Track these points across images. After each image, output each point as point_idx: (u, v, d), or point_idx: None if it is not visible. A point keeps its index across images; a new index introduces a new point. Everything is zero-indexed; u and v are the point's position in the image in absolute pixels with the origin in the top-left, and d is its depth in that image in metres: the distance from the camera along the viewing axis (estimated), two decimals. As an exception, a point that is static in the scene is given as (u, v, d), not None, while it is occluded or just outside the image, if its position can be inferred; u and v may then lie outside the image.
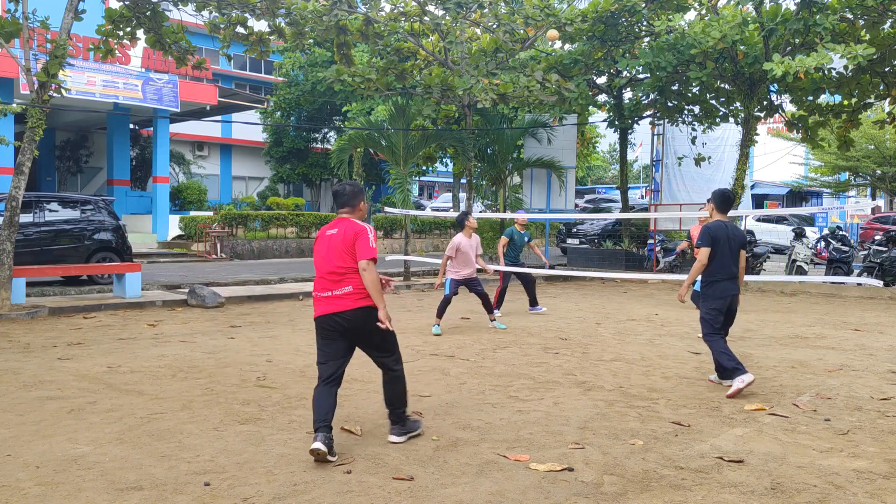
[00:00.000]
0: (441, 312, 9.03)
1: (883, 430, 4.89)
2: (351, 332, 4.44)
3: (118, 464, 4.05)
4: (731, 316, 6.29)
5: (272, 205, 26.69)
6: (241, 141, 31.99)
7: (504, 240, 10.85)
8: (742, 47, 13.47)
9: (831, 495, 3.70)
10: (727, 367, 5.90)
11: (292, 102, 28.81)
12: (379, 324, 4.44)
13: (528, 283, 11.03)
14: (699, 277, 6.33)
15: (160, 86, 20.96)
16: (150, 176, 24.33)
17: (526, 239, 10.88)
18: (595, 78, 18.18)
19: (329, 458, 4.13)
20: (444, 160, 22.09)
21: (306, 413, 5.14)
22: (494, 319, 9.53)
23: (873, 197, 34.42)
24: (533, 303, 11.09)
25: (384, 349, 4.58)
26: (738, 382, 5.75)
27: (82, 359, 7.01)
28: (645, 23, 15.49)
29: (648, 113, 18.92)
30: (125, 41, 12.12)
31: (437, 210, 27.72)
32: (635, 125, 19.68)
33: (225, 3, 12.34)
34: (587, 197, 31.41)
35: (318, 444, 4.12)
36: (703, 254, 6.05)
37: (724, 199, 6.18)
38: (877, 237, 16.64)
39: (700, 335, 7.91)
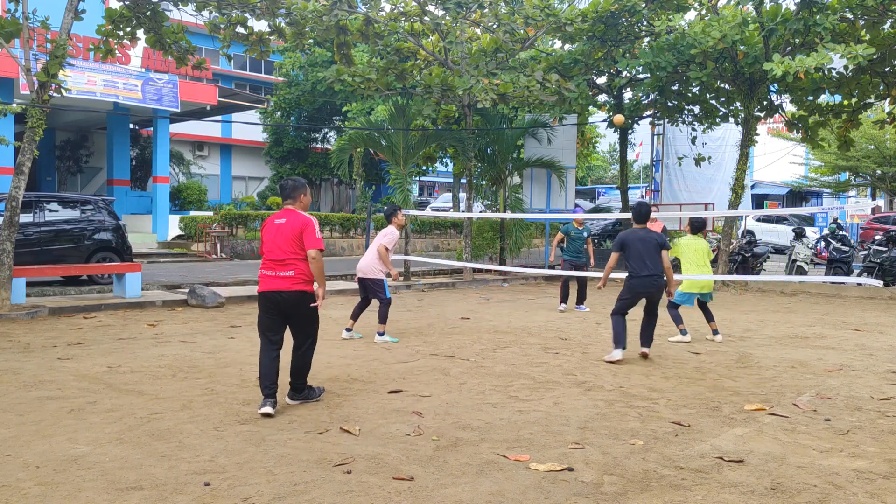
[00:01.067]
0: (386, 318, 8.27)
1: (883, 430, 4.89)
2: (286, 310, 5.23)
3: (118, 464, 4.05)
4: (650, 305, 7.38)
5: (272, 205, 26.69)
6: (241, 141, 31.99)
7: (560, 235, 11.49)
8: (742, 47, 13.46)
9: (831, 495, 3.70)
10: (614, 336, 7.24)
11: (292, 102, 28.80)
12: (316, 303, 5.27)
13: (583, 280, 11.46)
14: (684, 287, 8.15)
15: (160, 86, 20.95)
16: (150, 176, 24.33)
17: (585, 234, 11.41)
18: (595, 78, 18.17)
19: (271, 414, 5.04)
20: (444, 160, 22.07)
21: (307, 413, 5.15)
22: (384, 333, 8.29)
23: (873, 197, 34.42)
24: (580, 301, 11.47)
25: (308, 332, 5.39)
26: (612, 355, 7.15)
27: (82, 359, 7.01)
28: (645, 23, 15.47)
29: (648, 113, 18.92)
30: (125, 41, 12.11)
31: (437, 210, 27.72)
32: (635, 125, 19.67)
33: (225, 3, 12.33)
34: (597, 203, 31.73)
35: (268, 409, 5.02)
36: (612, 257, 7.29)
37: (637, 214, 7.36)
38: (877, 237, 16.64)
39: (673, 339, 8.39)
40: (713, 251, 17.48)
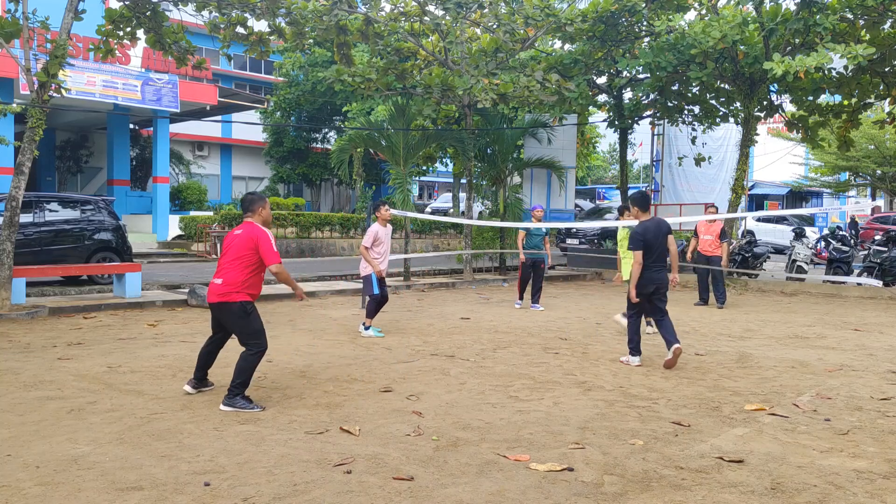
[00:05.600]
0: (372, 313, 8.68)
1: (883, 430, 4.89)
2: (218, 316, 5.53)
3: (118, 464, 4.05)
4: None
5: (272, 205, 26.65)
6: (241, 141, 31.99)
7: (522, 232, 11.75)
8: (742, 47, 13.46)
9: (831, 495, 3.70)
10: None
11: (292, 102, 28.80)
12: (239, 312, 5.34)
13: (539, 278, 11.71)
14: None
15: (160, 86, 20.95)
16: (150, 176, 24.34)
17: (543, 232, 11.67)
18: (595, 78, 18.17)
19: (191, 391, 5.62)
20: (444, 160, 22.07)
21: (307, 413, 5.14)
22: (369, 327, 8.71)
23: (873, 197, 34.43)
24: (535, 299, 11.69)
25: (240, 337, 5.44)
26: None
27: (82, 359, 7.01)
28: (645, 23, 15.48)
29: (648, 113, 18.92)
30: (125, 41, 12.11)
31: (437, 210, 27.73)
32: (635, 125, 19.67)
33: (225, 3, 12.33)
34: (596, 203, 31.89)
35: (188, 388, 5.62)
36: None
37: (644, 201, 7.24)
38: (877, 237, 16.65)
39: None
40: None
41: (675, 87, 16.02)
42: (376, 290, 8.59)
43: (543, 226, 11.92)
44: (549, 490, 3.72)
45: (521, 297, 11.88)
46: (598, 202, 34.52)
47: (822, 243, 16.45)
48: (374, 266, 8.51)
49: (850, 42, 12.65)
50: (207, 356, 5.66)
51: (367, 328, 8.61)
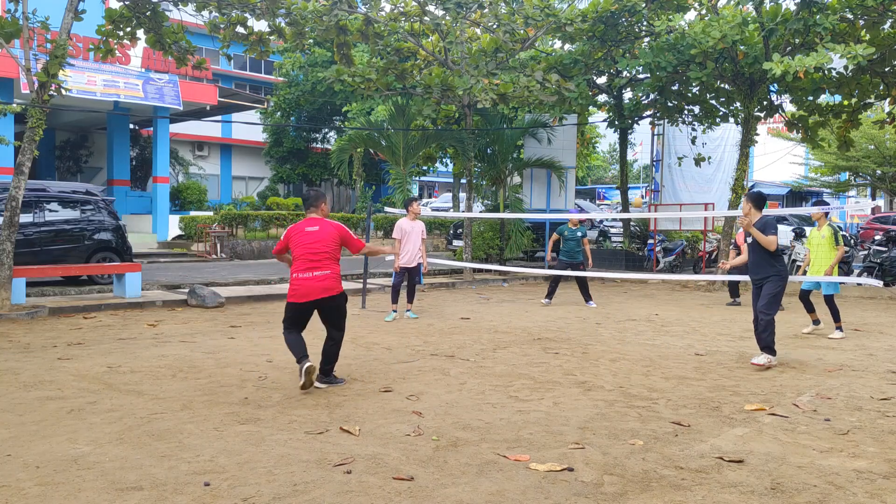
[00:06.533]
0: (391, 299, 10.06)
1: (883, 430, 4.89)
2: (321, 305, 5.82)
3: (118, 464, 4.05)
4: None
5: (272, 205, 26.69)
6: (241, 141, 31.98)
7: (555, 235, 12.15)
8: (742, 47, 13.46)
9: (831, 495, 3.70)
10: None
11: (292, 102, 28.81)
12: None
13: (581, 278, 12.11)
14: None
15: (161, 85, 20.95)
16: (150, 176, 24.34)
17: (579, 234, 11.96)
18: (595, 78, 18.18)
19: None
20: (444, 160, 22.07)
21: (306, 413, 5.15)
22: (409, 310, 10.25)
23: (873, 197, 34.43)
24: (586, 297, 12.03)
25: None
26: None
27: (82, 359, 7.01)
28: (645, 23, 15.48)
29: (648, 113, 18.92)
30: (125, 41, 12.12)
31: (437, 210, 27.74)
32: (635, 125, 19.68)
33: (225, 3, 12.34)
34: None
35: (309, 363, 5.57)
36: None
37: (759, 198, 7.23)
38: (877, 237, 16.64)
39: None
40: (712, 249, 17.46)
41: (675, 87, 16.02)
42: (393, 278, 10.01)
43: (576, 216, 12.36)
44: (549, 490, 3.72)
45: (549, 297, 12.16)
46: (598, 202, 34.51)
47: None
48: (396, 258, 9.77)
49: (850, 42, 12.65)
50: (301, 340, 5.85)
51: (392, 312, 9.93)
